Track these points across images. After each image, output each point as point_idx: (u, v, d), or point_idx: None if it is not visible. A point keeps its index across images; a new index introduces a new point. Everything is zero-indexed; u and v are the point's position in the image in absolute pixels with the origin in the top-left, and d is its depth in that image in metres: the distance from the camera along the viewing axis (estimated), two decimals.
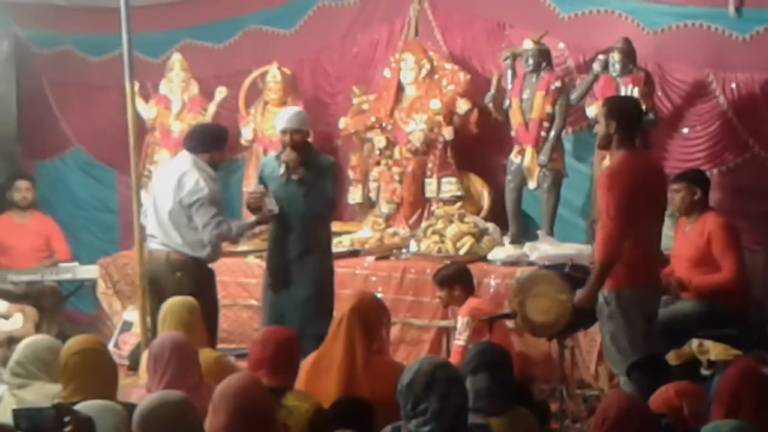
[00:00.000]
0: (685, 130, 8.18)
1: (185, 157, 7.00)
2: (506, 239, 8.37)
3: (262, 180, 7.26)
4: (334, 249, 7.76)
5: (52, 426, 3.54)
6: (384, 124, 9.09)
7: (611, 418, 3.62)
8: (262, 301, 7.41)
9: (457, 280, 7.25)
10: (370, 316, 5.08)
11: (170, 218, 6.88)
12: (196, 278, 6.87)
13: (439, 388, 3.64)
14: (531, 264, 7.74)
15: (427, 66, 9.01)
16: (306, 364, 5.07)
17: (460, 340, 6.96)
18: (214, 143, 7.07)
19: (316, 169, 7.08)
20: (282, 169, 7.12)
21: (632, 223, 5.61)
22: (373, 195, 9.19)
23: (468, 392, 3.84)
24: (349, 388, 4.84)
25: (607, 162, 7.74)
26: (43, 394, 4.75)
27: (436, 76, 9.03)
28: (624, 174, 5.64)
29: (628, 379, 5.61)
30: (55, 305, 9.21)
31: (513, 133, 8.39)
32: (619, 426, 3.60)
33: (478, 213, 8.81)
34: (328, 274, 7.20)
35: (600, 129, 5.85)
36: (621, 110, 5.85)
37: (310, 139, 7.44)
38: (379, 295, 7.73)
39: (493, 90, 8.51)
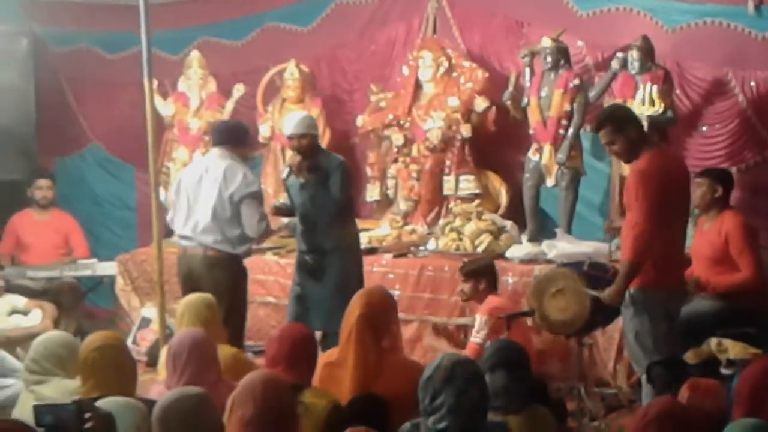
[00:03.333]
0: (704, 128, 8.15)
1: (222, 153, 6.96)
2: (524, 237, 8.36)
3: (285, 187, 7.32)
4: None
5: (73, 422, 3.55)
6: (402, 122, 9.09)
7: (651, 415, 3.62)
8: (289, 295, 7.45)
9: (484, 274, 7.22)
10: (379, 318, 5.07)
11: (213, 214, 6.84)
12: (233, 275, 6.94)
13: (457, 383, 3.65)
14: (549, 262, 7.73)
15: (445, 64, 9.01)
16: (321, 362, 5.07)
17: (477, 338, 6.93)
18: (245, 138, 7.16)
19: (325, 171, 7.09)
20: (285, 174, 7.19)
21: (661, 222, 5.59)
22: (390, 192, 9.20)
23: (488, 391, 3.83)
24: (364, 388, 4.84)
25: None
26: (61, 389, 4.78)
27: (454, 74, 9.03)
28: (655, 172, 5.63)
29: (647, 379, 5.59)
30: (73, 301, 9.23)
31: (531, 131, 8.39)
32: (657, 424, 3.59)
33: (496, 211, 8.80)
34: (351, 273, 7.16)
35: (618, 145, 5.78)
36: (628, 117, 5.90)
37: (326, 140, 7.46)
38: (396, 293, 7.79)
39: (511, 88, 8.50)
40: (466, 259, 7.69)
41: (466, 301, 7.40)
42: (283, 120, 7.83)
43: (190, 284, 6.85)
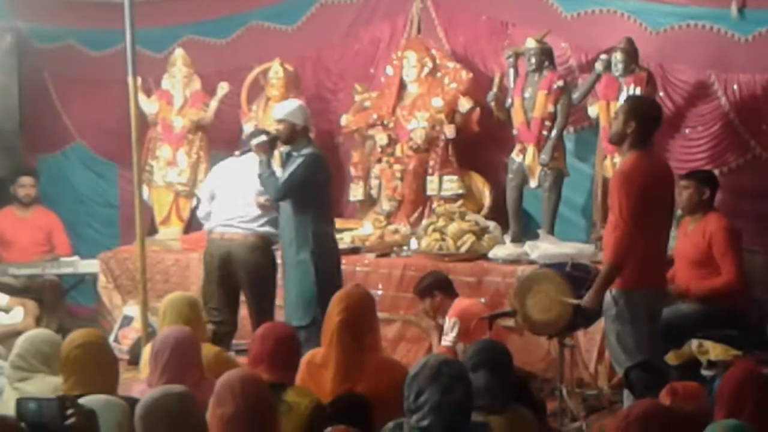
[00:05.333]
0: (687, 131, 8.17)
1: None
2: (507, 238, 8.38)
3: None
4: None
5: (55, 417, 3.55)
6: (386, 122, 9.09)
7: (634, 416, 3.63)
8: None
9: (435, 287, 7.25)
10: (360, 320, 5.05)
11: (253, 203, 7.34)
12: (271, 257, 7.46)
13: (443, 381, 3.65)
14: (532, 263, 7.74)
15: (430, 64, 9.02)
16: (304, 361, 5.07)
17: (446, 340, 6.95)
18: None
19: (293, 161, 7.10)
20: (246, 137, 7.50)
21: (644, 224, 5.60)
22: (374, 192, 9.20)
23: (472, 392, 3.84)
24: (346, 389, 4.84)
25: (608, 162, 7.80)
26: (45, 386, 4.78)
27: (439, 74, 9.04)
28: (637, 175, 5.63)
29: (625, 382, 5.60)
30: (55, 299, 9.22)
31: (515, 132, 8.40)
32: (639, 425, 3.61)
33: (479, 211, 8.82)
34: (309, 267, 7.07)
35: (616, 125, 5.80)
36: (642, 113, 5.79)
37: (311, 135, 7.48)
38: (379, 293, 7.81)
39: (495, 88, 8.51)
40: (448, 259, 7.73)
41: (433, 317, 7.32)
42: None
43: (227, 270, 7.42)
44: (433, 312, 7.27)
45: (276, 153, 7.56)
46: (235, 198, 7.39)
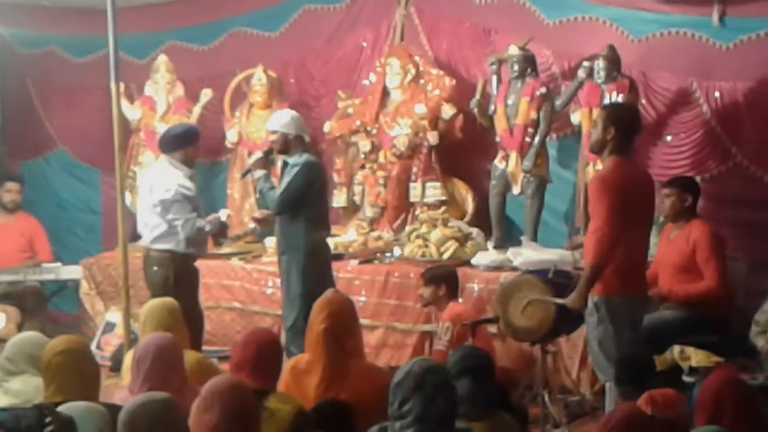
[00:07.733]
0: (669, 138, 8.19)
1: (160, 158, 7.46)
2: (490, 244, 8.38)
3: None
4: None
5: (33, 426, 3.54)
6: (369, 128, 9.09)
7: (614, 421, 3.65)
8: None
9: (444, 280, 7.31)
10: (342, 327, 5.06)
11: (146, 215, 7.27)
12: (171, 273, 7.19)
13: (426, 391, 3.66)
14: (514, 269, 7.74)
15: (413, 71, 9.02)
16: (287, 367, 5.07)
17: (440, 344, 6.97)
18: (183, 142, 7.35)
19: (289, 169, 7.21)
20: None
21: (623, 229, 5.61)
22: (357, 199, 9.19)
23: (457, 399, 3.84)
24: (329, 395, 4.85)
25: (590, 168, 7.81)
26: (31, 385, 4.80)
27: (422, 81, 9.05)
28: (617, 180, 5.65)
29: (615, 373, 5.59)
30: (37, 305, 9.19)
31: (498, 139, 8.41)
32: (620, 430, 3.62)
33: (462, 218, 8.82)
34: (303, 278, 7.14)
35: (595, 133, 5.81)
36: (621, 119, 5.82)
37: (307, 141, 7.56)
38: (362, 299, 7.81)
39: (478, 95, 8.51)
40: (425, 268, 7.75)
41: (425, 306, 7.49)
42: (262, 117, 8.41)
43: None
44: (430, 302, 7.35)
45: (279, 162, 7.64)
46: (140, 211, 7.52)
